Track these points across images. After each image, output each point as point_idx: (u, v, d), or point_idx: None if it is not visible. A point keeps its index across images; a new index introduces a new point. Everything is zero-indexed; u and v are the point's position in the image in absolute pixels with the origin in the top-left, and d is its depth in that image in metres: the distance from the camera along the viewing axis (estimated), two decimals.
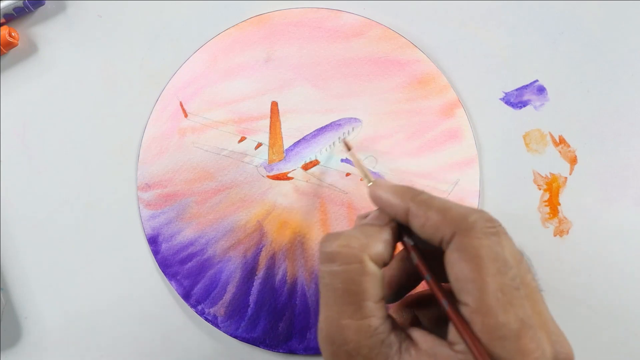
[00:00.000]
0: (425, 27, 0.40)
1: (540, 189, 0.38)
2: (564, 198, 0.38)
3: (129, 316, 0.38)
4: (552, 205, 0.38)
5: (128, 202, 0.39)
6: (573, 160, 0.38)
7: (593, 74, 0.39)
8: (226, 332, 0.37)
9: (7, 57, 0.40)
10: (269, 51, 0.39)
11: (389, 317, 0.25)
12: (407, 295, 0.30)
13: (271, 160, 0.38)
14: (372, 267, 0.25)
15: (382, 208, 0.27)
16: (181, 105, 0.39)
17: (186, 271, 0.37)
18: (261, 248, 0.37)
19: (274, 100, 0.39)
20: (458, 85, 0.39)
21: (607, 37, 0.39)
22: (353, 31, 0.39)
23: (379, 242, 0.26)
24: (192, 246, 0.38)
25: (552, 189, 0.38)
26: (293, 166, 0.38)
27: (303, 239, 0.37)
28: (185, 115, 0.39)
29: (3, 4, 0.39)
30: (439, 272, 0.25)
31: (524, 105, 0.39)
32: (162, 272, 0.38)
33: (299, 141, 0.38)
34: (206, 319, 0.37)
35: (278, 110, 0.39)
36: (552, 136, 0.39)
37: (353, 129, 0.38)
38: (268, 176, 0.38)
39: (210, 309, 0.37)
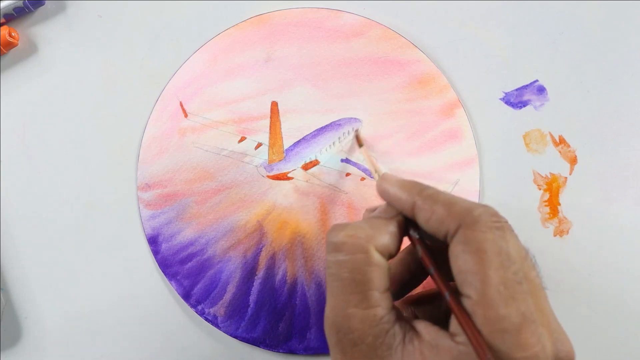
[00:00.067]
0: (425, 27, 0.40)
1: (540, 189, 0.38)
2: (564, 198, 0.38)
3: (129, 316, 0.38)
4: (552, 205, 0.38)
5: (128, 202, 0.39)
6: (573, 160, 0.38)
7: (593, 74, 0.39)
8: (226, 332, 0.37)
9: (7, 57, 0.40)
10: (269, 51, 0.39)
11: (394, 308, 0.26)
12: (408, 294, 0.30)
13: (271, 160, 0.38)
14: (377, 257, 0.25)
15: (389, 201, 0.28)
16: (181, 105, 0.39)
17: (186, 271, 0.37)
18: (261, 248, 0.37)
19: (274, 100, 0.39)
20: (458, 85, 0.39)
21: (607, 37, 0.39)
22: (353, 31, 0.39)
23: (385, 234, 0.26)
24: (192, 246, 0.38)
25: (552, 189, 0.38)
26: (293, 166, 0.38)
27: (303, 239, 0.37)
28: (185, 115, 0.39)
29: (3, 4, 0.39)
30: (443, 269, 0.25)
31: (524, 105, 0.39)
32: (162, 272, 0.38)
33: (299, 141, 0.38)
34: (206, 319, 0.37)
35: (278, 110, 0.39)
36: (552, 136, 0.39)
37: (353, 129, 0.38)
38: (268, 176, 0.38)
39: (210, 309, 0.37)
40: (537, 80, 0.39)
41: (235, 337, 0.37)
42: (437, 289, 0.30)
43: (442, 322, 0.26)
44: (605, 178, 0.38)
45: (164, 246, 0.38)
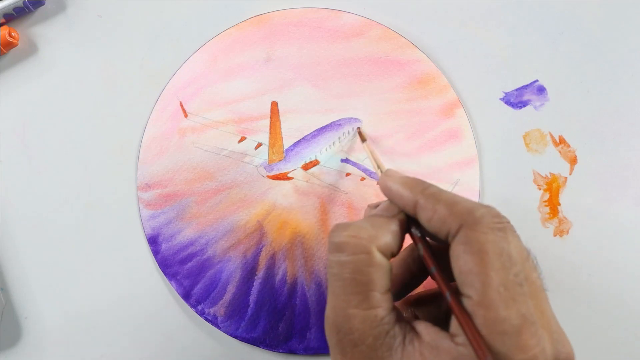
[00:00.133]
0: (425, 27, 0.40)
1: (540, 189, 0.38)
2: (564, 198, 0.38)
3: (129, 316, 0.38)
4: (552, 205, 0.38)
5: (128, 202, 0.39)
6: (573, 160, 0.38)
7: (593, 74, 0.39)
8: (226, 332, 0.37)
9: (7, 57, 0.40)
10: (269, 51, 0.39)
11: (394, 308, 0.26)
12: (408, 295, 0.30)
13: (271, 160, 0.38)
14: (379, 258, 0.25)
15: (391, 199, 0.28)
16: (181, 105, 0.39)
17: (186, 271, 0.37)
18: (261, 248, 0.37)
19: (274, 100, 0.39)
20: (458, 85, 0.39)
21: (607, 37, 0.39)
22: (353, 31, 0.39)
23: (387, 233, 0.26)
24: (192, 246, 0.38)
25: (552, 189, 0.38)
26: (293, 166, 0.38)
27: (303, 239, 0.37)
28: (185, 115, 0.39)
29: (3, 4, 0.39)
30: (444, 269, 0.25)
31: (524, 105, 0.39)
32: (162, 272, 0.38)
33: (299, 141, 0.38)
34: (206, 319, 0.37)
35: (278, 110, 0.39)
36: (552, 136, 0.39)
37: (353, 129, 0.38)
38: (268, 176, 0.38)
39: (210, 309, 0.37)
40: (537, 80, 0.39)
41: (235, 337, 0.37)
42: (437, 289, 0.30)
43: (442, 323, 0.26)
44: (605, 178, 0.38)
45: (164, 246, 0.38)
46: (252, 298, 0.37)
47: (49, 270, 0.38)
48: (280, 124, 0.39)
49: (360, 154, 0.38)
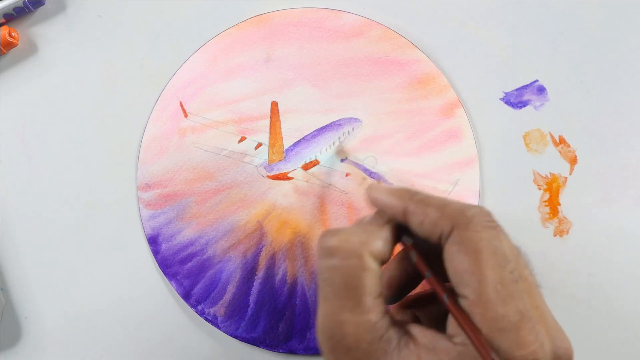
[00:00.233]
0: (425, 27, 0.40)
1: (540, 189, 0.38)
2: (564, 198, 0.38)
3: (129, 316, 0.38)
4: (552, 205, 0.38)
5: (128, 202, 0.39)
6: (573, 160, 0.38)
7: (593, 74, 0.39)
8: (226, 332, 0.37)
9: (7, 57, 0.40)
10: (269, 51, 0.39)
11: (387, 313, 0.26)
12: (406, 296, 0.30)
13: (271, 160, 0.38)
14: (371, 263, 0.25)
15: (381, 209, 0.28)
16: (181, 105, 0.39)
17: (186, 271, 0.37)
18: (261, 248, 0.37)
19: (274, 100, 0.39)
20: (458, 85, 0.39)
21: (607, 37, 0.39)
22: (353, 31, 0.39)
23: (378, 239, 0.26)
24: (192, 246, 0.38)
25: (552, 189, 0.38)
26: (293, 166, 0.38)
27: (303, 239, 0.37)
28: (185, 115, 0.39)
29: (3, 4, 0.39)
30: (438, 271, 0.25)
31: (524, 105, 0.39)
32: (162, 272, 0.38)
33: (299, 141, 0.38)
34: (206, 319, 0.37)
35: (278, 110, 0.39)
36: (552, 136, 0.39)
37: (353, 129, 0.38)
38: (268, 176, 0.38)
39: (210, 309, 0.37)
40: (537, 80, 0.39)
41: (235, 337, 0.37)
42: (433, 292, 0.30)
43: (443, 323, 0.26)
44: (605, 178, 0.38)
45: (164, 246, 0.38)
46: (252, 298, 0.37)
47: (49, 270, 0.38)
48: (280, 124, 0.39)
49: (361, 154, 0.38)
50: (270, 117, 0.39)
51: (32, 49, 0.40)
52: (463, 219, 0.24)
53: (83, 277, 0.38)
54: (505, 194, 0.38)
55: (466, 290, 0.23)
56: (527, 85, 0.39)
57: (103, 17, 0.40)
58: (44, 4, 0.40)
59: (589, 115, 0.39)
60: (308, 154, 0.38)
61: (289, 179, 0.38)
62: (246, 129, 0.39)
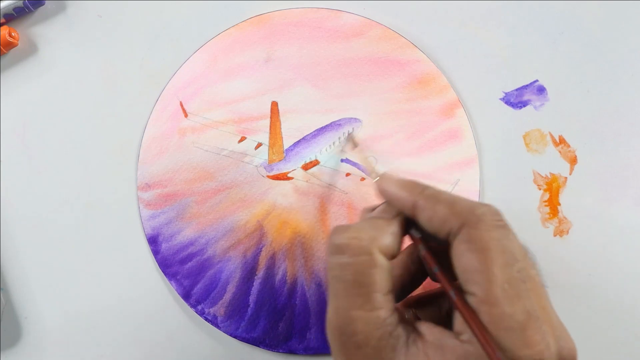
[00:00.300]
0: (425, 27, 0.40)
1: (540, 189, 0.38)
2: (564, 198, 0.38)
3: (129, 316, 0.38)
4: (552, 205, 0.38)
5: (128, 202, 0.39)
6: (573, 160, 0.38)
7: (593, 74, 0.39)
8: (226, 332, 0.37)
9: (7, 57, 0.40)
10: (269, 51, 0.39)
11: (396, 309, 0.26)
12: (408, 296, 0.30)
13: (271, 160, 0.38)
14: (381, 259, 0.25)
15: (390, 201, 0.28)
16: (181, 105, 0.39)
17: (186, 271, 0.37)
18: (261, 248, 0.37)
19: (274, 100, 0.39)
20: (458, 85, 0.39)
21: (607, 37, 0.39)
22: (353, 31, 0.39)
23: (388, 235, 0.26)
24: (192, 246, 0.38)
25: (552, 189, 0.38)
26: (293, 166, 0.38)
27: (303, 239, 0.37)
28: (185, 115, 0.39)
29: (3, 4, 0.39)
30: (444, 268, 0.25)
31: (524, 105, 0.39)
32: (162, 272, 0.38)
33: (299, 141, 0.38)
34: (206, 319, 0.37)
35: (278, 110, 0.39)
36: (552, 136, 0.39)
37: (353, 129, 0.38)
38: (268, 176, 0.38)
39: (210, 309, 0.37)
40: (537, 80, 0.39)
41: (235, 337, 0.37)
42: (436, 290, 0.30)
43: (443, 323, 0.26)
44: (605, 178, 0.38)
45: (164, 246, 0.38)
46: (252, 298, 0.37)
47: (49, 270, 0.38)
48: (280, 124, 0.39)
49: (361, 154, 0.38)
50: (270, 117, 0.39)
51: (32, 49, 0.40)
52: (472, 217, 0.24)
53: (83, 277, 0.38)
54: (505, 194, 0.38)
55: (474, 288, 0.24)
56: (527, 85, 0.39)
57: (103, 17, 0.40)
58: (44, 4, 0.40)
59: (589, 115, 0.39)
60: (308, 154, 0.38)
61: (289, 179, 0.38)
62: (246, 129, 0.39)
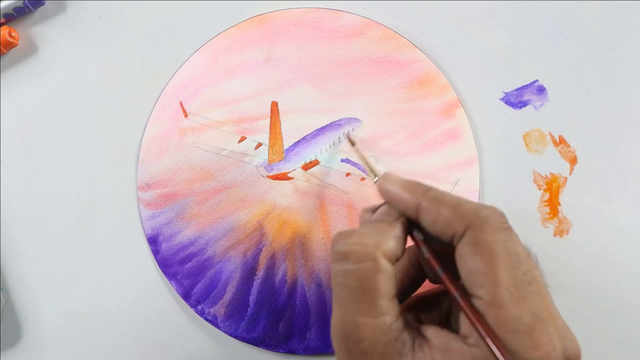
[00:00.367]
0: (425, 27, 0.40)
1: (540, 189, 0.38)
2: (564, 198, 0.38)
3: (128, 316, 0.38)
4: (552, 205, 0.38)
5: (128, 202, 0.39)
6: (573, 160, 0.38)
7: (593, 74, 0.39)
8: (226, 332, 0.37)
9: (7, 57, 0.40)
10: (269, 51, 0.39)
11: (401, 314, 0.25)
12: (408, 299, 0.30)
13: (271, 160, 0.38)
14: (385, 264, 0.25)
15: (392, 203, 0.27)
16: (181, 105, 0.39)
17: (186, 271, 0.37)
18: (261, 248, 0.37)
19: (274, 100, 0.39)
20: (458, 85, 0.39)
21: (607, 37, 0.39)
22: (353, 31, 0.39)
23: (391, 239, 0.26)
24: (192, 246, 0.38)
25: (552, 189, 0.38)
26: (293, 166, 0.38)
27: (303, 239, 0.37)
28: (185, 115, 0.39)
29: (3, 4, 0.39)
30: (446, 269, 0.25)
31: (524, 105, 0.39)
32: (162, 272, 0.38)
33: (299, 141, 0.38)
34: (206, 319, 0.37)
35: (278, 110, 0.39)
36: (552, 136, 0.39)
37: (353, 129, 0.38)
38: (268, 176, 0.38)
39: (210, 309, 0.37)
40: (537, 80, 0.39)
41: (235, 337, 0.37)
42: (435, 290, 0.30)
43: (443, 324, 0.26)
44: (605, 178, 0.38)
45: (164, 246, 0.38)
46: (252, 298, 0.37)
47: (49, 270, 0.38)
48: (280, 124, 0.39)
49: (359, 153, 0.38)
50: (270, 117, 0.39)
51: (32, 49, 0.40)
52: (477, 219, 0.24)
53: (83, 277, 0.38)
54: (505, 194, 0.38)
55: (480, 291, 0.23)
56: (527, 85, 0.39)
57: (103, 17, 0.40)
58: (44, 4, 0.40)
59: (589, 115, 0.39)
60: (308, 154, 0.38)
61: (289, 179, 0.38)
62: (246, 129, 0.39)
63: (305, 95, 0.39)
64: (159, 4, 0.40)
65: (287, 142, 0.38)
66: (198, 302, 0.37)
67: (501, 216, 0.25)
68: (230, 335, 0.37)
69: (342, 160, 0.38)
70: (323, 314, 0.37)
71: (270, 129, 0.39)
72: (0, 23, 0.39)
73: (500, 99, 0.39)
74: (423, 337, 0.25)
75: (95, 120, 0.39)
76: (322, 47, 0.39)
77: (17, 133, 0.39)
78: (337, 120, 0.38)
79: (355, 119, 0.38)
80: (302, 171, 0.38)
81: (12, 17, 0.39)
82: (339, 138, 0.38)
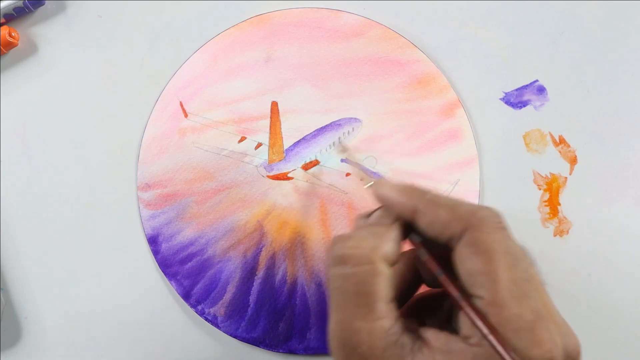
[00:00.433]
0: (425, 27, 0.40)
1: (540, 189, 0.38)
2: (564, 198, 0.38)
3: (129, 316, 0.38)
4: (552, 205, 0.38)
5: (128, 202, 0.39)
6: (573, 160, 0.38)
7: (593, 74, 0.39)
8: (226, 332, 0.37)
9: (7, 57, 0.40)
10: (269, 51, 0.39)
11: (400, 317, 0.25)
12: (406, 304, 0.30)
13: (271, 160, 0.38)
14: (383, 267, 0.25)
15: (389, 206, 0.27)
16: (181, 105, 0.39)
17: (186, 271, 0.37)
18: (261, 248, 0.37)
19: (274, 100, 0.39)
20: (458, 85, 0.39)
21: (607, 37, 0.39)
22: (353, 31, 0.39)
23: (389, 242, 0.26)
24: (192, 246, 0.38)
25: (552, 189, 0.38)
26: (293, 166, 0.38)
27: (303, 239, 0.37)
28: (185, 115, 0.39)
29: (3, 4, 0.39)
30: (445, 270, 0.25)
31: (524, 105, 0.39)
32: (162, 272, 0.38)
33: (299, 141, 0.38)
34: (206, 319, 0.37)
35: (278, 110, 0.39)
36: (552, 136, 0.39)
37: (353, 129, 0.38)
38: (268, 176, 0.38)
39: (210, 309, 0.37)
40: (537, 80, 0.39)
41: (235, 337, 0.37)
42: (434, 292, 0.30)
43: (443, 324, 0.26)
44: (605, 178, 0.38)
45: (164, 246, 0.38)
46: (252, 298, 0.37)
47: (49, 270, 0.38)
48: (280, 124, 0.39)
49: (360, 154, 0.38)
50: (270, 117, 0.39)
51: (32, 49, 0.40)
52: (474, 220, 0.24)
53: (83, 277, 0.38)
54: (505, 194, 0.38)
55: (480, 291, 0.23)
56: (527, 85, 0.39)
57: (103, 17, 0.40)
58: (44, 4, 0.40)
59: (589, 115, 0.39)
60: (308, 154, 0.38)
61: (289, 179, 0.38)
62: (246, 129, 0.39)
63: (305, 95, 0.39)
64: (159, 4, 0.40)
65: (287, 142, 0.38)
66: (198, 302, 0.37)
67: (497, 216, 0.25)
68: (230, 335, 0.37)
69: (342, 160, 0.38)
70: (323, 314, 0.37)
71: (270, 129, 0.39)
72: (0, 23, 0.39)
73: (500, 99, 0.39)
74: (423, 339, 0.25)
75: (95, 120, 0.39)
76: (322, 47, 0.39)
77: (17, 133, 0.39)
78: (337, 120, 0.38)
79: (355, 119, 0.38)
80: (302, 171, 0.38)
81: (12, 17, 0.39)
82: (339, 138, 0.38)
